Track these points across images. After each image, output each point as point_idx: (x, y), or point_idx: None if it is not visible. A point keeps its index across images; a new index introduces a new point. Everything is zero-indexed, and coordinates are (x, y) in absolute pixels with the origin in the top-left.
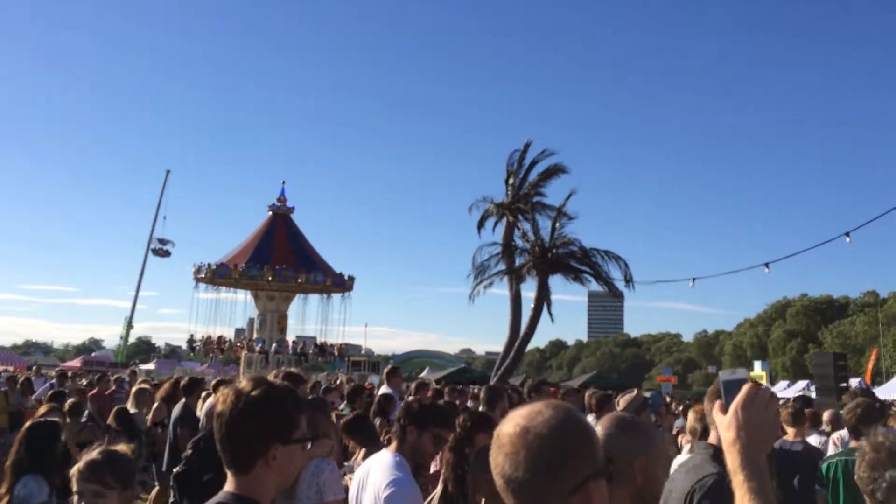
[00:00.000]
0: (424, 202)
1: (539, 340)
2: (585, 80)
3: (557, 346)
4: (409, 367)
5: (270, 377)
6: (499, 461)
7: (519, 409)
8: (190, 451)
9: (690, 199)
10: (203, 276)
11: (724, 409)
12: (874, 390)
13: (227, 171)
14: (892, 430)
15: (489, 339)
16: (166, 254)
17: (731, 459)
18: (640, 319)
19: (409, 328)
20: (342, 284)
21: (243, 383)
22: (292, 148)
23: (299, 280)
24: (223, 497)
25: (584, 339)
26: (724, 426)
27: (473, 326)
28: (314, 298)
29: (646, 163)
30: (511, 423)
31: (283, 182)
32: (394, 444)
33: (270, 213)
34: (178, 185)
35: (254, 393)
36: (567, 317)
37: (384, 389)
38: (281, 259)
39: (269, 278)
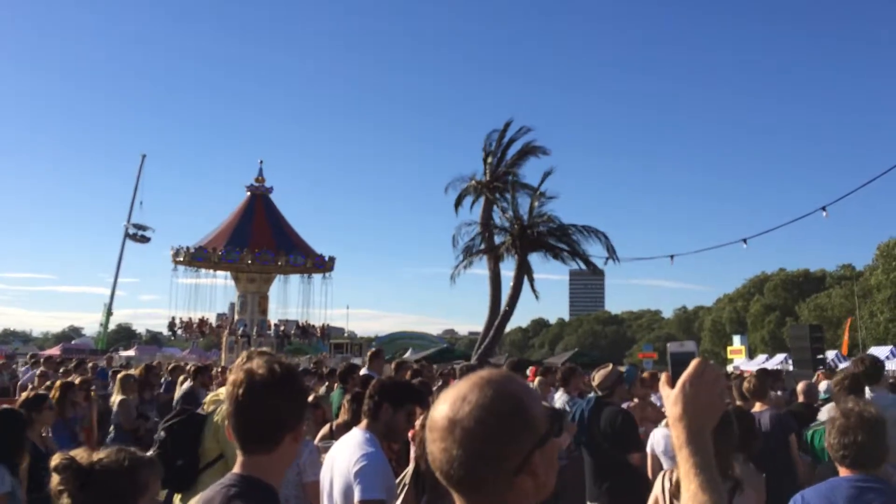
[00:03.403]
0: (405, 182)
1: (521, 320)
2: (564, 61)
3: (540, 324)
4: (392, 349)
5: (243, 357)
6: (434, 454)
7: (447, 392)
8: (164, 435)
9: (670, 177)
10: (181, 259)
11: (671, 382)
12: (849, 363)
13: (203, 153)
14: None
15: (472, 319)
16: (145, 240)
17: (677, 435)
18: (621, 297)
19: (391, 309)
20: (322, 266)
21: (261, 360)
22: (270, 127)
23: (279, 262)
24: (232, 480)
25: (566, 317)
26: (671, 401)
27: (456, 307)
28: (295, 279)
29: (625, 142)
30: (438, 412)
31: (261, 162)
32: (365, 422)
33: (248, 193)
34: (154, 168)
35: (285, 367)
36: (549, 296)
37: (365, 371)
38: (260, 241)
39: (249, 262)
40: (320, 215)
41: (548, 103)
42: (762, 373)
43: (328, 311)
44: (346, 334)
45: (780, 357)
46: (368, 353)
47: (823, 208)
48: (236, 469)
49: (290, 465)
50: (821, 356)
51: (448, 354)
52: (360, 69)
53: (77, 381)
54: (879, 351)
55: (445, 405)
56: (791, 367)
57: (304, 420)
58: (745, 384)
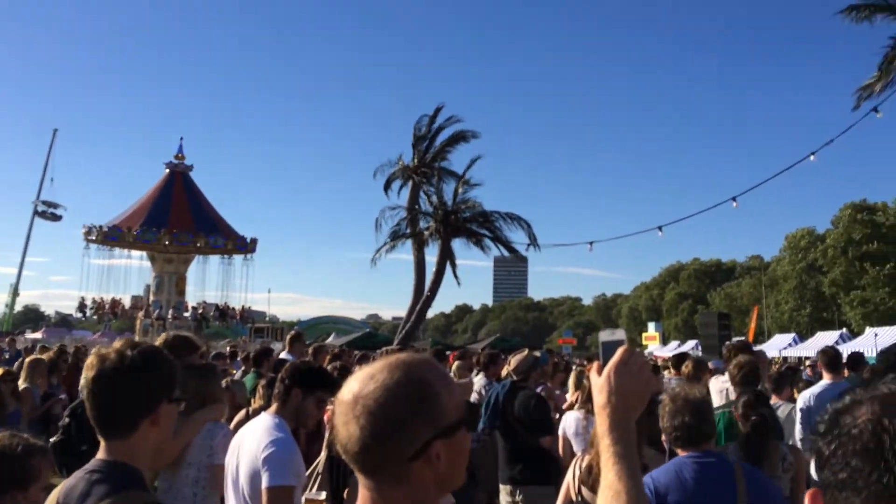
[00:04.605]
0: (331, 163)
1: (446, 305)
2: (489, 51)
3: (463, 310)
4: (314, 333)
5: (159, 341)
6: (337, 430)
7: (361, 370)
8: (68, 420)
9: (592, 167)
10: (94, 238)
11: (602, 371)
12: (755, 349)
13: (120, 128)
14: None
15: (397, 304)
16: (56, 218)
17: (601, 423)
18: (543, 284)
19: (314, 294)
20: (244, 247)
21: (118, 345)
22: (191, 102)
23: (198, 244)
24: (95, 465)
25: (490, 303)
26: (597, 389)
27: (380, 292)
28: (214, 260)
29: (547, 130)
30: (347, 388)
31: (182, 138)
32: (274, 407)
33: (167, 170)
34: (66, 143)
35: (137, 351)
36: (474, 282)
37: (284, 355)
38: (178, 220)
39: (166, 242)
40: (243, 195)
41: (471, 91)
42: (698, 359)
43: (249, 294)
44: (267, 318)
45: (691, 343)
46: (288, 337)
47: (733, 199)
48: (100, 454)
49: (156, 448)
50: (728, 343)
51: (371, 339)
52: (288, 46)
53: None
54: (783, 338)
55: (355, 382)
56: (700, 353)
57: (161, 405)
58: (684, 369)
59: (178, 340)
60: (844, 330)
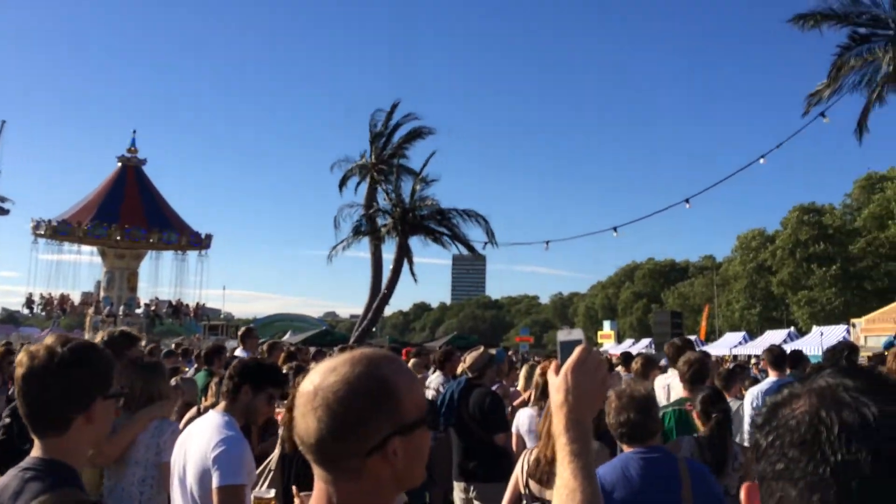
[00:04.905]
0: (288, 159)
1: (404, 303)
2: (448, 46)
3: (421, 308)
4: (270, 331)
5: (98, 337)
6: (296, 421)
7: (323, 363)
8: (8, 420)
9: (550, 168)
10: (43, 232)
11: (559, 370)
12: (707, 347)
13: (71, 120)
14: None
15: (355, 302)
16: (3, 211)
17: (557, 422)
18: (501, 282)
19: (270, 291)
20: (199, 243)
21: (49, 340)
22: (144, 94)
23: (151, 239)
24: (29, 463)
25: (449, 301)
26: (555, 388)
27: (338, 290)
28: (168, 256)
29: (504, 130)
30: (308, 380)
31: (135, 131)
32: (223, 404)
33: (120, 164)
34: (15, 135)
35: (69, 347)
36: (433, 280)
37: (239, 352)
38: (130, 215)
39: (118, 238)
40: (198, 190)
41: (429, 87)
42: (647, 356)
43: (203, 290)
44: (222, 315)
45: (645, 341)
46: (240, 333)
47: (687, 200)
48: (34, 452)
49: (91, 445)
50: (670, 341)
51: (327, 337)
52: (244, 42)
53: None
54: (733, 337)
55: (316, 374)
56: (654, 351)
57: (95, 401)
58: (634, 365)
59: (115, 335)
60: (792, 329)
